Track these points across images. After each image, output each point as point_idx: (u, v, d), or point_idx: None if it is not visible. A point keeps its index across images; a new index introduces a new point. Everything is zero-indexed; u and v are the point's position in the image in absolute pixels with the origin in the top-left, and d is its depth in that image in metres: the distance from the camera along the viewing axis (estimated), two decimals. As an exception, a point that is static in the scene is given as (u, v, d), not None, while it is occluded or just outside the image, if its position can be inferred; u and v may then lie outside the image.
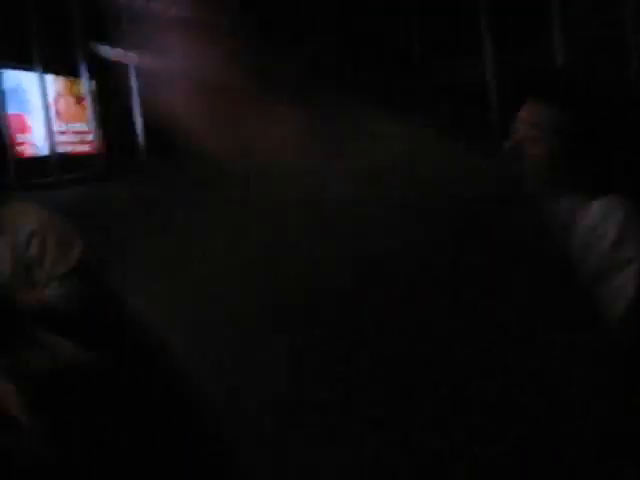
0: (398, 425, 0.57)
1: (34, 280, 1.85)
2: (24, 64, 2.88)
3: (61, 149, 2.82)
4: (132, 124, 2.64)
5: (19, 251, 1.87)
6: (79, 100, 3.10)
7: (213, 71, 0.61)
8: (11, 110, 2.90)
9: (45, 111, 2.70)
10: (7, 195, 1.93)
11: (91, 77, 2.70)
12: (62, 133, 3.03)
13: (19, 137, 2.93)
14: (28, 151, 3.01)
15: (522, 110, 0.98)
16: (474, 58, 3.07)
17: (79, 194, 2.56)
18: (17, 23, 2.74)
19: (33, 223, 1.90)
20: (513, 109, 0.97)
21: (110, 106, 3.14)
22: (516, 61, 2.92)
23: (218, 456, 0.73)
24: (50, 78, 2.81)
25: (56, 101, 2.99)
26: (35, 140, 2.98)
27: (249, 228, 0.65)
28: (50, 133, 2.70)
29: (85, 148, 3.15)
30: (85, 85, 2.69)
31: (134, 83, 2.55)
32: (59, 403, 1.12)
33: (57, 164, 2.65)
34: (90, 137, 2.86)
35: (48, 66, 2.76)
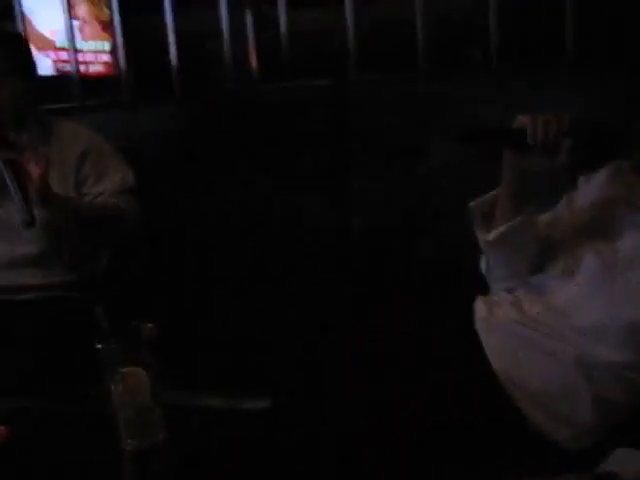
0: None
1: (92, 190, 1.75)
2: None
3: (83, 71, 2.68)
4: (166, 54, 2.50)
5: (67, 171, 1.78)
6: (104, 24, 2.96)
7: None
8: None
9: (69, 28, 2.53)
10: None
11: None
12: (85, 54, 2.90)
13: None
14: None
15: None
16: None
17: (104, 122, 2.45)
18: None
19: (86, 142, 1.83)
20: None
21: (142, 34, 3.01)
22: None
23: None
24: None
25: (82, 20, 2.85)
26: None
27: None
28: (73, 52, 2.54)
29: (109, 71, 3.02)
30: (115, 6, 2.51)
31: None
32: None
33: (79, 88, 2.51)
34: (116, 60, 2.71)
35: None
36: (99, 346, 1.16)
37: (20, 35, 2.23)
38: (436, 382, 1.30)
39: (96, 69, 3.30)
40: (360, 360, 2.04)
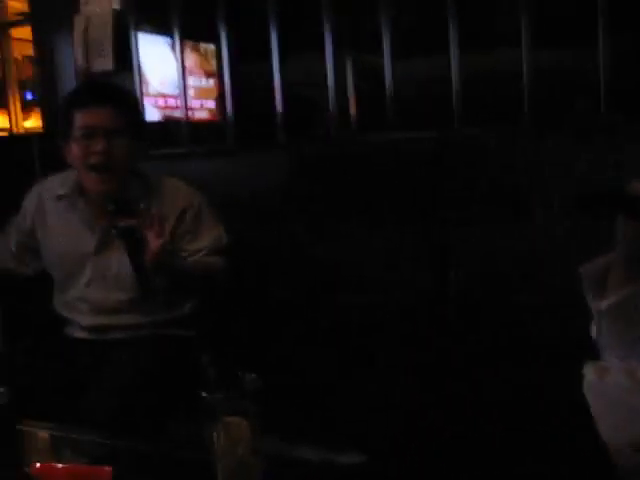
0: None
1: (190, 248, 1.82)
2: (161, 30, 2.87)
3: (192, 118, 2.77)
4: (270, 100, 2.56)
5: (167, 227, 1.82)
6: (209, 73, 3.08)
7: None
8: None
9: (181, 78, 2.64)
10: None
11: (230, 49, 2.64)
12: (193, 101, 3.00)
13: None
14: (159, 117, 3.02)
15: None
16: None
17: (211, 167, 2.53)
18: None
19: (184, 199, 1.88)
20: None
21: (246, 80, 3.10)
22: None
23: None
24: (184, 45, 2.79)
25: (190, 69, 2.96)
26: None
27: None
28: (184, 101, 2.64)
29: (213, 118, 3.11)
30: (225, 54, 2.60)
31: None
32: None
33: (188, 134, 2.60)
34: (222, 107, 2.80)
35: (185, 33, 2.73)
36: (204, 394, 1.17)
37: (135, 97, 2.37)
38: (541, 444, 1.26)
39: (201, 116, 3.41)
40: (456, 420, 2.01)
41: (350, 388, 2.20)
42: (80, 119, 1.96)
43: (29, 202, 2.17)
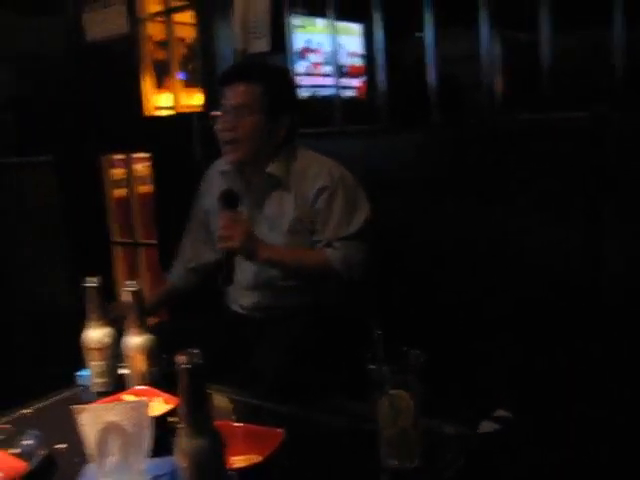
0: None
1: (315, 236, 1.88)
2: (314, 11, 2.95)
3: (343, 96, 2.82)
4: (423, 79, 2.56)
5: (305, 204, 1.91)
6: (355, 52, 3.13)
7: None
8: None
9: (334, 56, 2.70)
10: (296, 147, 1.97)
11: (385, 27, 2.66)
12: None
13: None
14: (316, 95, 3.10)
15: None
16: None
17: (364, 146, 2.57)
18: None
19: (324, 178, 1.93)
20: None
21: (402, 59, 3.11)
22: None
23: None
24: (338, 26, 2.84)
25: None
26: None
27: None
28: (337, 80, 2.70)
29: (361, 96, 3.15)
30: (378, 33, 2.62)
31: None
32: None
33: (341, 113, 2.65)
34: (372, 85, 2.85)
35: (341, 14, 2.78)
36: (371, 367, 1.23)
37: (280, 73, 2.35)
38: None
39: (349, 94, 3.46)
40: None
41: (503, 363, 2.22)
42: (222, 97, 2.07)
43: (203, 184, 2.33)
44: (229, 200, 1.96)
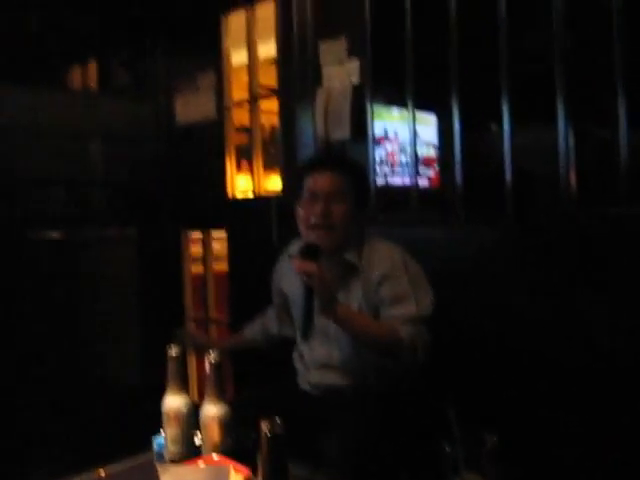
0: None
1: (383, 317, 1.91)
2: (397, 101, 3.05)
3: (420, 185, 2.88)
4: (497, 174, 2.61)
5: (370, 291, 1.97)
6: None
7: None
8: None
9: (413, 144, 2.78)
10: (367, 232, 2.04)
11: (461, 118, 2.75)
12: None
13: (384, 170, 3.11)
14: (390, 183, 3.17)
15: None
16: None
17: (437, 236, 2.61)
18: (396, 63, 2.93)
19: (387, 265, 1.99)
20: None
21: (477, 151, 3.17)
22: None
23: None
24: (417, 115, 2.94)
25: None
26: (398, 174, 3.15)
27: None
28: (414, 167, 2.77)
29: (434, 185, 3.20)
30: (456, 124, 2.70)
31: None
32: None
33: (417, 201, 2.71)
34: (444, 176, 2.91)
35: (418, 104, 2.88)
36: (447, 449, 1.23)
37: (359, 164, 2.48)
38: None
39: (422, 184, 3.52)
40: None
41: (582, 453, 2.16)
42: (307, 183, 2.16)
43: (278, 263, 2.41)
44: (309, 252, 1.99)
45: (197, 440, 1.74)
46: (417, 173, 2.89)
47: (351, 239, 2.15)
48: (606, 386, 2.20)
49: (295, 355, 2.30)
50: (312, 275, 1.89)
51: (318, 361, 2.17)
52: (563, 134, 2.44)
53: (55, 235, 3.36)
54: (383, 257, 2.12)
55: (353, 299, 2.11)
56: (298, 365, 2.28)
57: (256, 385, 2.29)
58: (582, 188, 2.47)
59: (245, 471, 1.44)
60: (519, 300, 2.42)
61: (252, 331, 2.51)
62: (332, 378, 2.15)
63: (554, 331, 2.32)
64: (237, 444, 1.64)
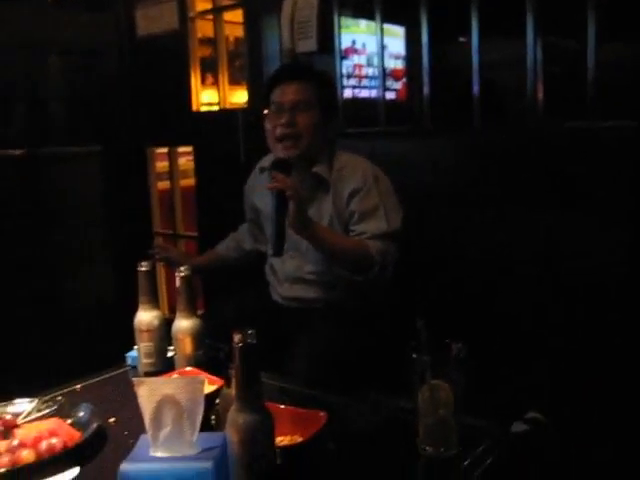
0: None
1: (352, 232, 1.92)
2: (365, 13, 3.00)
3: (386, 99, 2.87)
4: (465, 83, 2.59)
5: (341, 205, 1.97)
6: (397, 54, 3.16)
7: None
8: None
9: (380, 57, 2.74)
10: (337, 146, 2.03)
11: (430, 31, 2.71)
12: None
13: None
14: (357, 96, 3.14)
15: None
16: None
17: (406, 148, 2.62)
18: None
19: (358, 180, 1.99)
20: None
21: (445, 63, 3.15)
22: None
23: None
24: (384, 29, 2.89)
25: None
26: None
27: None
28: (382, 80, 2.75)
29: (402, 98, 3.18)
30: (424, 37, 2.67)
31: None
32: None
33: (384, 114, 2.70)
34: (416, 87, 2.89)
35: (386, 16, 2.83)
36: (414, 356, 1.28)
37: (327, 74, 2.45)
38: None
39: (390, 96, 3.49)
40: None
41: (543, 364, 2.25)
42: (274, 96, 2.14)
43: (250, 179, 2.40)
44: (281, 167, 1.99)
45: (170, 353, 1.77)
46: (384, 86, 2.85)
47: (320, 152, 2.14)
48: (570, 299, 2.28)
49: (267, 268, 2.33)
50: (287, 191, 1.89)
51: (289, 274, 2.20)
52: (531, 46, 2.41)
53: (16, 153, 3.28)
54: (354, 171, 2.12)
55: (324, 213, 2.11)
56: (270, 278, 2.31)
57: (227, 298, 2.31)
58: (549, 101, 2.47)
59: (218, 382, 1.48)
60: (485, 212, 2.45)
61: (226, 247, 2.52)
62: (303, 291, 2.18)
63: (519, 243, 2.37)
64: (209, 356, 1.68)
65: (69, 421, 1.45)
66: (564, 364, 2.26)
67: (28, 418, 1.48)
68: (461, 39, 3.10)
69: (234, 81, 3.64)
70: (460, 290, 2.44)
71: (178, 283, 1.65)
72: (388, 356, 1.68)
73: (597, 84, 2.29)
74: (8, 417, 1.46)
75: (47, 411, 1.50)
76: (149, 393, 1.13)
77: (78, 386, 1.71)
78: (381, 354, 1.95)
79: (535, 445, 1.94)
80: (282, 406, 1.37)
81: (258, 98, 2.95)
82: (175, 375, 1.58)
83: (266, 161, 2.28)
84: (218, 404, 1.40)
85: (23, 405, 1.53)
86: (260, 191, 2.29)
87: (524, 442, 1.81)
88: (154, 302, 1.75)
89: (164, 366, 1.74)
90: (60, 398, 1.58)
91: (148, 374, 1.72)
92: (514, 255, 2.38)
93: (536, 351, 2.31)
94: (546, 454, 1.80)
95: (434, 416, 1.30)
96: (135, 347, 1.80)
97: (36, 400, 1.53)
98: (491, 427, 1.46)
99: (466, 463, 1.29)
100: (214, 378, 1.52)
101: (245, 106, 3.26)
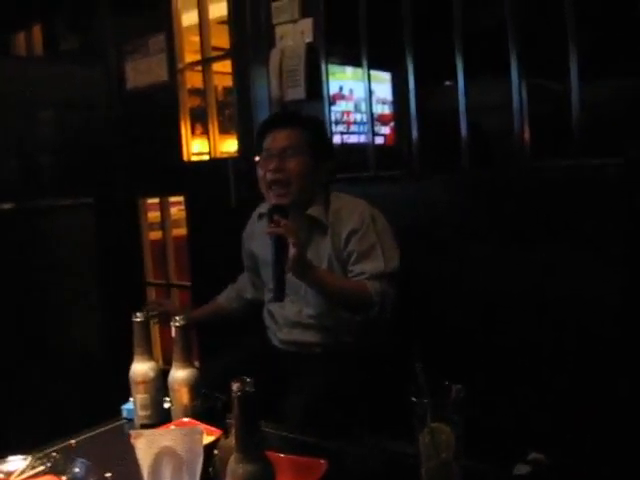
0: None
1: (351, 272, 1.93)
2: (352, 61, 3.05)
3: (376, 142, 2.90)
4: (453, 129, 2.63)
5: (340, 246, 1.98)
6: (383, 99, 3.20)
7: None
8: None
9: (369, 103, 2.78)
10: (331, 190, 2.04)
11: (416, 76, 2.76)
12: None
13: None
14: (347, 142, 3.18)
15: None
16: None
17: (396, 192, 2.65)
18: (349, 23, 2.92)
19: (355, 220, 2.00)
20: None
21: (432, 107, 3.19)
22: None
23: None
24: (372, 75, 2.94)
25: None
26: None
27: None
28: (371, 126, 2.78)
29: (390, 142, 3.22)
30: (411, 82, 2.71)
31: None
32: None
33: (374, 158, 2.73)
34: (404, 130, 2.92)
35: (373, 63, 2.88)
36: (413, 399, 1.27)
37: (317, 119, 2.49)
38: None
39: (378, 141, 3.53)
40: None
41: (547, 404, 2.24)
42: (264, 143, 2.17)
43: (247, 225, 2.41)
44: (277, 213, 2.01)
45: (166, 404, 1.75)
46: (373, 131, 2.89)
47: (315, 195, 2.16)
48: (565, 332, 2.28)
49: (265, 313, 2.32)
50: (288, 235, 1.90)
51: (288, 318, 2.20)
52: (516, 88, 2.46)
53: (8, 206, 3.28)
54: (351, 212, 2.14)
55: (323, 255, 2.13)
56: (268, 323, 2.30)
57: (223, 347, 2.30)
58: (535, 141, 2.51)
59: (216, 432, 1.46)
60: (478, 252, 2.46)
61: (226, 298, 2.51)
62: (302, 334, 2.18)
63: (514, 280, 2.38)
64: (206, 407, 1.65)
65: (64, 478, 1.42)
66: (562, 401, 2.24)
67: (22, 476, 1.45)
68: (447, 83, 3.14)
69: (224, 130, 3.68)
70: (456, 330, 2.43)
71: (174, 333, 1.64)
72: (388, 400, 1.67)
73: (582, 123, 2.32)
74: (1, 476, 1.43)
75: (41, 468, 1.47)
76: (147, 446, 1.11)
77: (73, 441, 1.68)
78: (381, 398, 1.93)
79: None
80: (282, 455, 1.35)
81: (248, 146, 3.00)
82: (172, 427, 1.56)
83: (263, 207, 2.30)
84: (216, 455, 1.38)
85: (16, 463, 1.49)
86: (258, 238, 2.29)
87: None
88: (149, 353, 1.73)
89: (161, 418, 1.72)
90: (54, 454, 1.54)
91: (144, 426, 1.70)
92: (508, 292, 2.38)
93: (533, 389, 2.29)
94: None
95: (436, 460, 1.28)
96: (130, 399, 1.77)
97: (29, 457, 1.50)
98: (494, 470, 1.44)
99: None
100: (212, 429, 1.50)
101: (235, 154, 3.28)
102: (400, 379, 1.34)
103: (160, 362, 3.51)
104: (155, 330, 3.71)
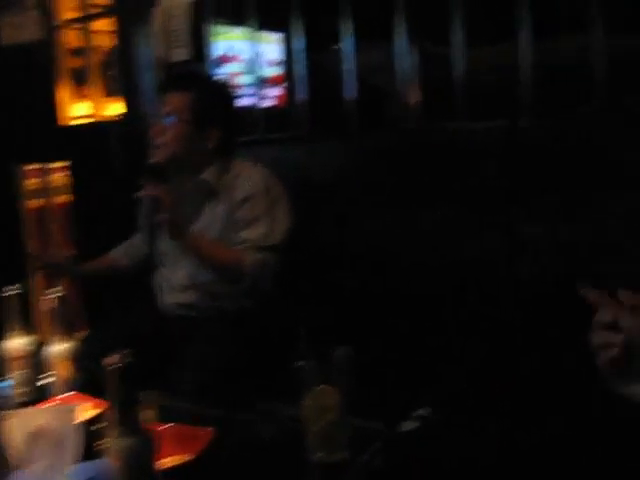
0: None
1: (239, 242, 1.89)
2: (236, 20, 2.98)
3: (264, 105, 2.86)
4: (342, 91, 2.63)
5: (232, 214, 1.94)
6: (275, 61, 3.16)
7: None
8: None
9: (255, 65, 2.74)
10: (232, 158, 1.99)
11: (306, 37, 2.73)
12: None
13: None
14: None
15: None
16: None
17: (286, 154, 2.63)
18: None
19: (248, 188, 1.96)
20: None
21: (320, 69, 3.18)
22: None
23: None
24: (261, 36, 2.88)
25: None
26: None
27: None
28: (258, 89, 2.74)
29: (282, 104, 3.19)
30: (298, 42, 2.67)
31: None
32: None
33: (262, 121, 2.70)
34: (292, 94, 2.89)
35: (261, 23, 2.82)
36: (299, 364, 1.26)
37: (217, 84, 2.39)
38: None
39: (269, 103, 3.49)
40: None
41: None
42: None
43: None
44: (152, 173, 1.96)
45: (47, 379, 1.67)
46: (262, 94, 2.85)
47: (205, 160, 2.10)
48: (454, 295, 2.34)
49: (156, 277, 2.27)
50: (159, 197, 1.86)
51: (176, 282, 2.15)
52: (402, 51, 2.47)
53: None
54: (246, 179, 2.10)
55: (217, 221, 2.08)
56: (158, 286, 2.25)
57: (110, 316, 2.24)
58: (422, 104, 2.54)
59: (101, 404, 1.41)
60: (364, 213, 2.49)
61: (121, 253, 2.41)
62: (189, 298, 2.13)
63: (402, 242, 2.42)
64: (88, 379, 1.60)
65: None
66: (449, 358, 2.31)
67: None
68: (335, 46, 3.12)
69: (111, 93, 3.52)
70: (345, 293, 2.46)
71: (52, 304, 1.56)
72: (277, 366, 1.66)
73: (468, 87, 2.37)
74: None
75: None
76: (20, 426, 1.06)
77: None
78: (270, 364, 1.93)
79: (425, 442, 1.97)
80: (167, 426, 1.32)
81: (134, 109, 2.88)
82: (47, 404, 1.49)
83: None
84: (100, 429, 1.33)
85: None
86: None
87: (414, 440, 1.83)
88: (24, 327, 1.64)
89: (41, 393, 1.64)
90: None
91: (24, 404, 1.62)
92: (395, 254, 2.42)
93: (421, 348, 2.35)
94: (435, 451, 1.81)
95: (322, 421, 1.29)
96: (5, 378, 1.68)
97: None
98: (381, 428, 1.46)
99: (357, 465, 1.29)
100: (98, 401, 1.45)
101: (119, 118, 3.15)
102: (288, 344, 1.33)
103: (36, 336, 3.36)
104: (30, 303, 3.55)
